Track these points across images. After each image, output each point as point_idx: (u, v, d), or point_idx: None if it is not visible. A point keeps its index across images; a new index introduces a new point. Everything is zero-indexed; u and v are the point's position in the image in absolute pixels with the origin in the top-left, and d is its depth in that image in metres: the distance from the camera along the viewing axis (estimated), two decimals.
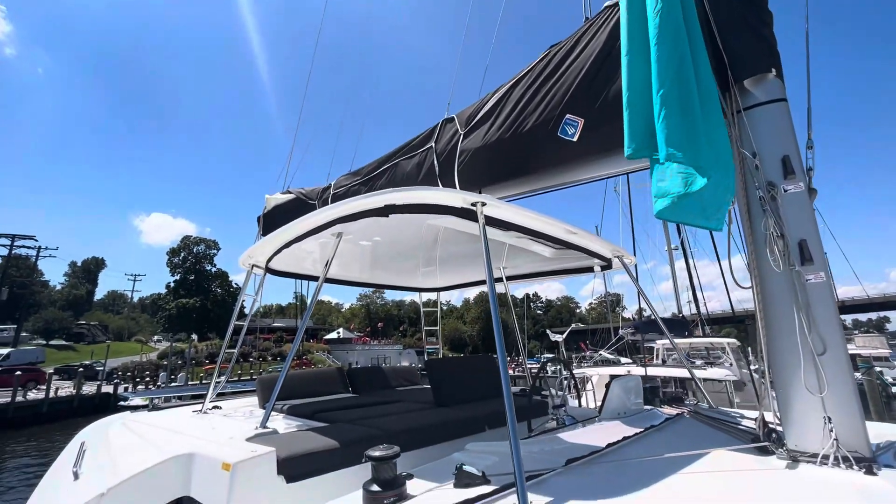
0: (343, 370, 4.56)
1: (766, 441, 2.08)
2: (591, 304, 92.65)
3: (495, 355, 1.90)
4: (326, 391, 4.09)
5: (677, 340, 12.48)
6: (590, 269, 4.27)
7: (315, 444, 2.22)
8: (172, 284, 54.57)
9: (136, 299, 69.48)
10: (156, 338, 56.11)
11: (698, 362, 11.73)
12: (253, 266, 3.81)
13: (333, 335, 51.90)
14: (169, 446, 2.31)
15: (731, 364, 11.09)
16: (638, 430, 2.42)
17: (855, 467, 1.76)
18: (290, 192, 5.10)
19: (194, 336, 39.61)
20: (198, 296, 52.71)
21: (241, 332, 3.90)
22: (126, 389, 22.31)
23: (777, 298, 2.08)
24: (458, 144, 3.37)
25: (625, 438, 2.26)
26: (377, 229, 3.13)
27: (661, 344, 11.82)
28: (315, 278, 4.62)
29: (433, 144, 3.59)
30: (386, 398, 3.83)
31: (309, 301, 2.96)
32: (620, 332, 11.93)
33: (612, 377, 2.88)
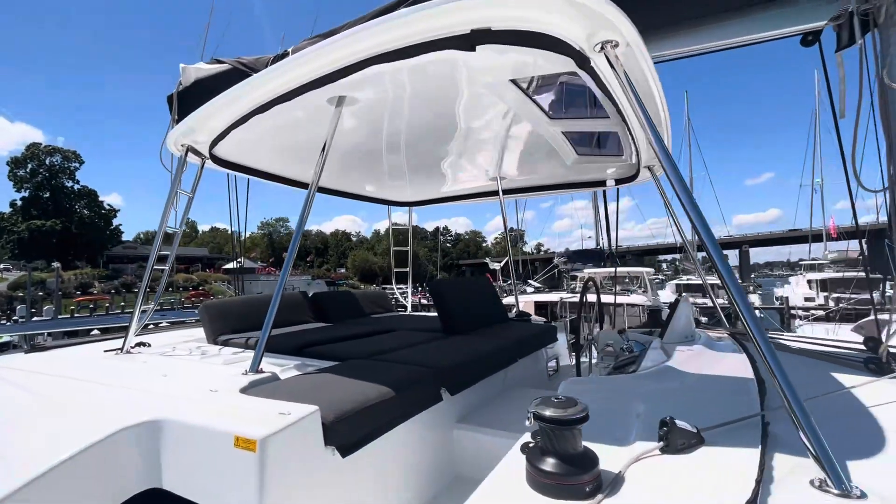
0: (307, 295, 3.69)
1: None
2: (496, 238, 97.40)
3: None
4: (290, 320, 3.24)
5: (595, 269, 13.26)
6: (601, 184, 3.81)
7: (359, 393, 1.49)
8: (20, 202, 44.94)
9: None
10: (1, 266, 46.65)
11: (617, 289, 12.65)
12: (188, 150, 2.66)
13: (233, 265, 47.87)
14: (103, 409, 1.41)
15: (645, 291, 12.11)
16: (738, 356, 2.06)
17: None
18: (220, 62, 3.73)
19: (56, 264, 33.56)
20: (57, 217, 44.23)
21: (168, 253, 2.77)
22: None
23: None
24: None
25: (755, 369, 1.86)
26: (390, 98, 2.22)
27: (587, 273, 12.44)
28: (276, 178, 3.54)
29: None
30: (374, 327, 3.12)
31: (303, 207, 2.05)
32: (555, 260, 12.29)
33: (678, 299, 2.50)
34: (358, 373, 1.74)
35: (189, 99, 3.45)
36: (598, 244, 15.84)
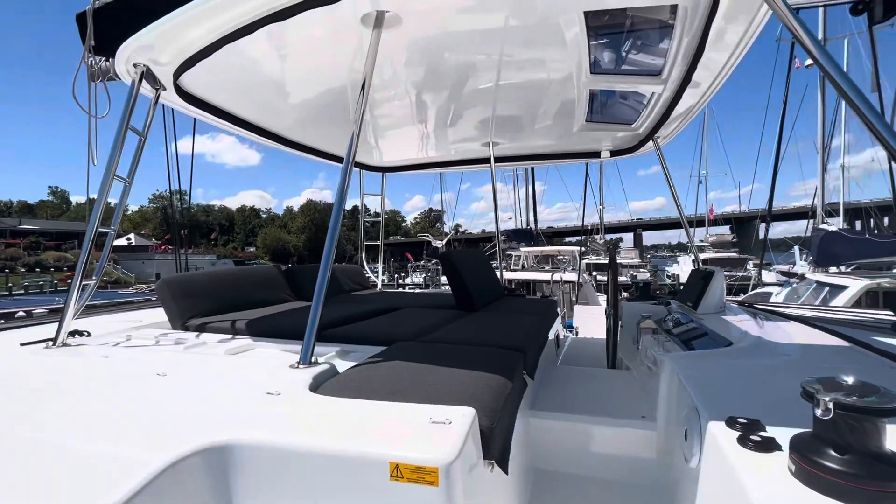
0: (281, 269, 3.11)
1: None
2: (415, 218, 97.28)
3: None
4: (269, 299, 2.70)
5: (530, 248, 13.71)
6: (595, 155, 3.72)
7: (473, 385, 1.15)
8: None
9: None
10: None
11: (547, 268, 13.21)
12: (143, 73, 1.99)
13: (123, 241, 41.85)
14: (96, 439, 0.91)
15: (573, 269, 12.78)
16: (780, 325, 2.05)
17: None
18: None
19: None
20: None
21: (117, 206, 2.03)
22: None
23: None
24: None
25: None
26: (433, 22, 1.83)
27: (523, 251, 12.81)
28: (256, 129, 2.88)
29: None
30: (375, 305, 2.70)
31: (348, 154, 1.59)
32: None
33: (711, 271, 2.46)
34: (434, 358, 1.39)
35: (113, 16, 2.59)
36: (526, 224, 16.38)
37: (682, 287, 3.24)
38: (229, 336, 1.96)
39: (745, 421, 0.96)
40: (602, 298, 12.16)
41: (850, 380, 0.79)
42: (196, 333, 2.02)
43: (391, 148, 3.76)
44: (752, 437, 0.88)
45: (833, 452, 0.74)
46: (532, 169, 15.85)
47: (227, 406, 1.02)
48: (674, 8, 1.63)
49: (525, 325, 2.11)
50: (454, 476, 0.74)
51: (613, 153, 3.60)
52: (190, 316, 2.16)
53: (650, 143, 3.25)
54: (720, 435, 0.95)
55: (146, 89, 2.09)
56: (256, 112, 2.78)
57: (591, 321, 4.88)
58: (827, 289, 8.87)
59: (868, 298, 8.01)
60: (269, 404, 1.00)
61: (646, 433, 1.49)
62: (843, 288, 8.39)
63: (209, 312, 2.24)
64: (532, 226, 15.71)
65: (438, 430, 0.83)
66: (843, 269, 9.82)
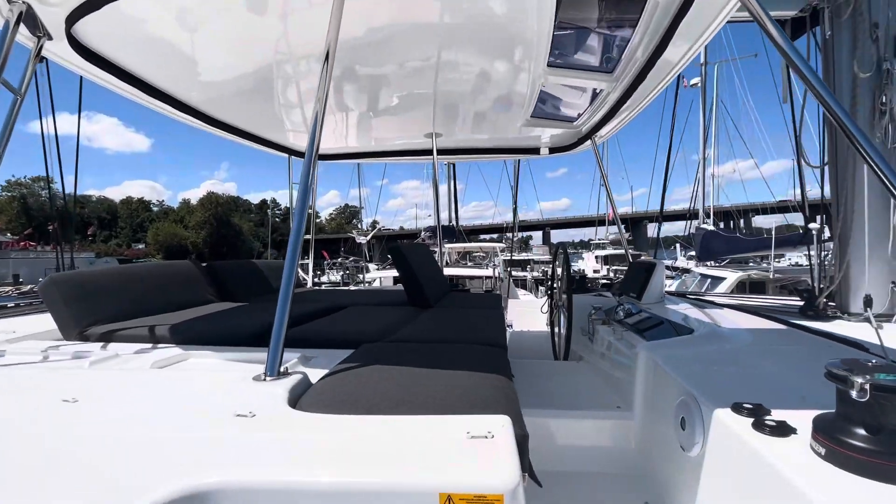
0: (200, 265, 2.68)
1: (833, 310, 2.24)
2: (331, 214, 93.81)
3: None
4: (191, 300, 2.31)
5: (453, 245, 13.87)
6: (535, 151, 3.79)
7: (480, 386, 1.03)
8: None
9: None
10: None
11: (469, 265, 13.46)
12: (23, 13, 1.55)
13: None
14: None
15: (495, 265, 13.18)
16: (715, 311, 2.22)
17: None
18: None
19: None
20: None
21: None
22: None
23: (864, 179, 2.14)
24: None
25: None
26: None
27: (446, 248, 12.86)
28: (171, 101, 2.43)
29: None
30: (318, 304, 2.45)
31: (312, 137, 1.37)
32: (422, 235, 12.32)
33: (652, 263, 2.59)
34: (417, 359, 1.25)
35: None
36: (448, 221, 16.54)
37: (620, 279, 3.43)
38: (148, 345, 1.61)
39: (751, 406, 0.96)
40: (521, 293, 12.68)
41: (873, 360, 0.81)
42: (101, 344, 1.64)
43: (327, 133, 3.47)
44: (768, 422, 0.88)
45: (864, 432, 0.76)
46: (454, 166, 16.04)
47: (189, 436, 0.78)
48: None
49: (488, 320, 2.05)
50: (519, 501, 0.62)
51: (552, 150, 3.69)
52: (89, 322, 1.75)
53: (587, 143, 3.37)
54: (730, 421, 0.94)
55: (24, 36, 1.64)
56: (169, 79, 2.36)
57: (522, 315, 5.00)
58: (709, 280, 10.18)
59: (737, 288, 9.35)
60: (247, 429, 0.79)
61: (624, 423, 1.50)
62: (721, 279, 9.68)
63: (115, 317, 1.84)
64: (454, 223, 15.92)
65: (483, 446, 0.70)
66: (717, 263, 11.36)
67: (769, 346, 1.54)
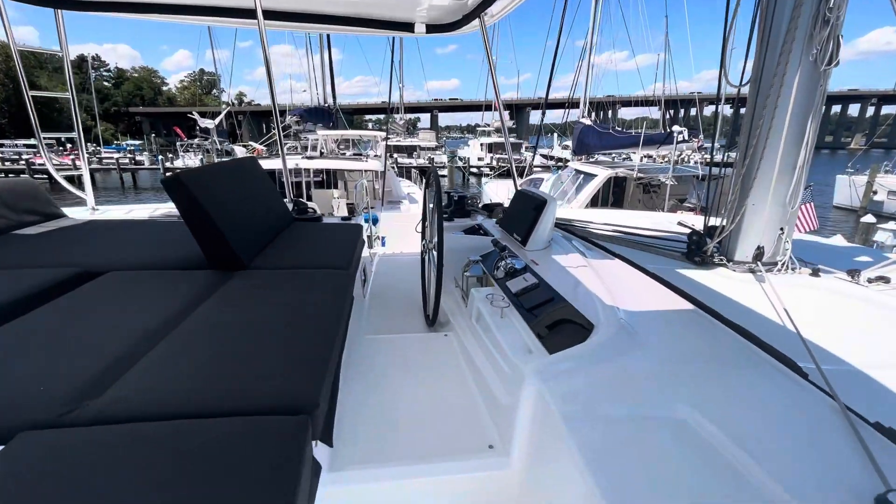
0: None
1: (719, 255, 2.03)
2: (182, 81, 77.15)
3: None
4: None
5: (329, 131, 12.26)
6: (408, 28, 2.84)
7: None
8: None
9: None
10: None
11: (348, 154, 12.15)
12: None
13: None
14: None
15: (377, 156, 12.08)
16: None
17: (804, 271, 1.92)
18: None
19: None
20: None
21: None
22: None
23: (784, 100, 1.79)
24: None
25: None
26: None
27: (321, 135, 11.15)
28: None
29: None
30: (42, 274, 1.52)
31: None
32: (288, 119, 10.37)
33: (524, 194, 2.07)
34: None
35: None
36: (324, 100, 14.35)
37: (503, 208, 2.95)
38: None
39: None
40: (405, 184, 12.01)
41: None
42: None
43: None
44: None
45: None
46: (327, 34, 13.32)
47: None
48: None
49: (329, 289, 1.39)
50: None
51: (431, 28, 2.79)
52: None
53: (475, 22, 2.55)
54: None
55: None
56: None
57: (400, 232, 4.41)
58: (582, 176, 10.62)
59: (605, 185, 9.94)
60: None
61: (498, 475, 1.07)
62: (593, 175, 10.15)
63: None
64: (331, 102, 13.74)
65: None
66: (589, 157, 11.91)
67: (686, 353, 1.17)
